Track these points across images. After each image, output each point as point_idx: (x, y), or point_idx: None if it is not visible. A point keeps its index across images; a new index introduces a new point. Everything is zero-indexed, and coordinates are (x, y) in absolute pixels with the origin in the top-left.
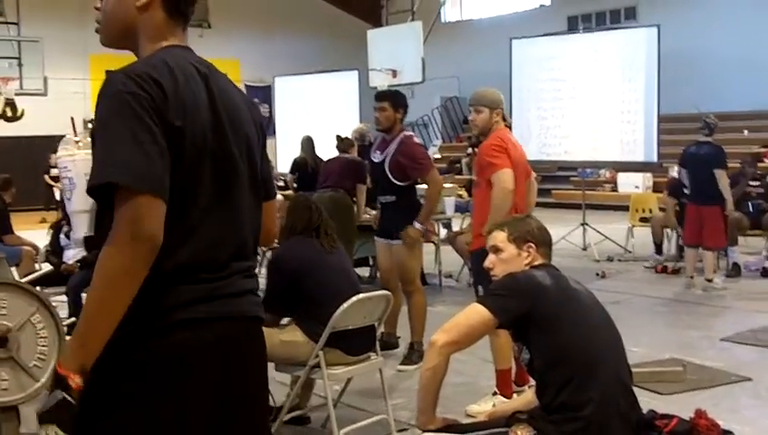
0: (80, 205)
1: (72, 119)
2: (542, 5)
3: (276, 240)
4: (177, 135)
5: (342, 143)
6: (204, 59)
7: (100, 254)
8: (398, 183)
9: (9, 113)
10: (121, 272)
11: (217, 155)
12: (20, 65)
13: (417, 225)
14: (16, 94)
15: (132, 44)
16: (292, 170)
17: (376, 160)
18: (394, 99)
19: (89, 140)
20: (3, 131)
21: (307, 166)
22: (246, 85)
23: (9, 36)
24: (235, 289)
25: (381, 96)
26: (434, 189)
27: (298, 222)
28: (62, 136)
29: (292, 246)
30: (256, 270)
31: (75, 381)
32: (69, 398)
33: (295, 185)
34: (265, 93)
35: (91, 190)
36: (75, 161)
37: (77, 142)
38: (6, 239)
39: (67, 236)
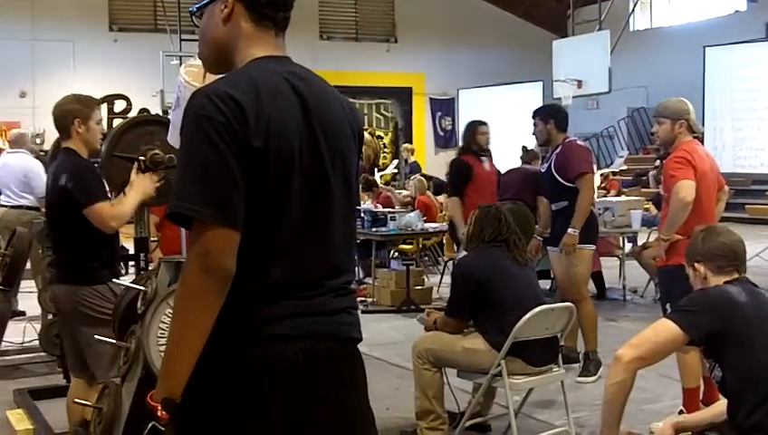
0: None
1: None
2: (737, 11)
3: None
4: (258, 157)
5: (527, 154)
6: (302, 68)
7: (177, 286)
8: (568, 184)
9: None
10: (194, 305)
11: (310, 173)
12: None
13: (571, 230)
14: None
15: (230, 65)
16: None
17: (543, 171)
18: (542, 113)
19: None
20: None
21: None
22: (431, 98)
23: None
24: (327, 307)
25: (533, 114)
26: (586, 193)
27: (486, 231)
28: None
29: (478, 254)
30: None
31: (162, 412)
32: (159, 426)
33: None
34: (449, 106)
35: (168, 217)
36: (188, 89)
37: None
38: None
39: None
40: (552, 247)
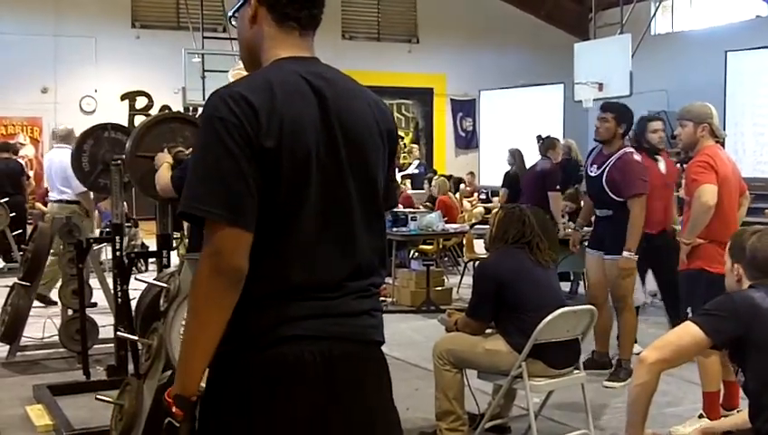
0: None
1: None
2: (758, 16)
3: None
4: (271, 157)
5: (544, 143)
6: (327, 67)
7: (191, 285)
8: (616, 198)
9: None
10: (207, 304)
11: (328, 173)
12: None
13: (627, 253)
14: None
15: (260, 66)
16: (504, 184)
17: (592, 175)
18: (619, 112)
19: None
20: None
21: (519, 180)
22: (451, 99)
23: None
24: (346, 309)
25: (607, 107)
26: (639, 214)
27: (509, 233)
28: None
29: (500, 256)
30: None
31: (176, 409)
32: (174, 422)
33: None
34: (470, 107)
35: (180, 216)
36: None
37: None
38: None
39: None
40: (591, 250)
